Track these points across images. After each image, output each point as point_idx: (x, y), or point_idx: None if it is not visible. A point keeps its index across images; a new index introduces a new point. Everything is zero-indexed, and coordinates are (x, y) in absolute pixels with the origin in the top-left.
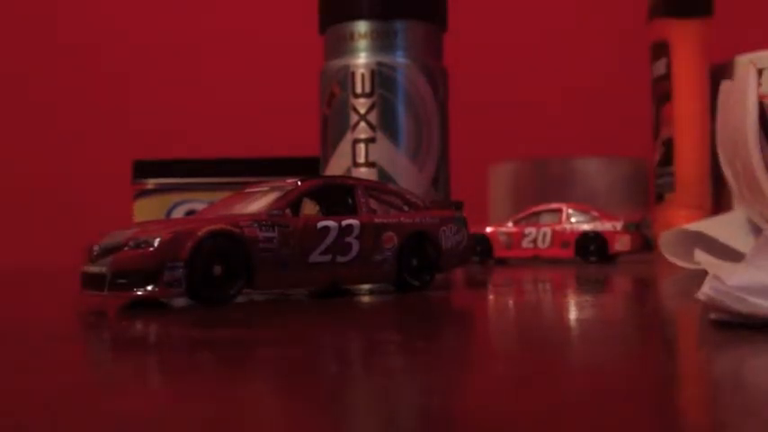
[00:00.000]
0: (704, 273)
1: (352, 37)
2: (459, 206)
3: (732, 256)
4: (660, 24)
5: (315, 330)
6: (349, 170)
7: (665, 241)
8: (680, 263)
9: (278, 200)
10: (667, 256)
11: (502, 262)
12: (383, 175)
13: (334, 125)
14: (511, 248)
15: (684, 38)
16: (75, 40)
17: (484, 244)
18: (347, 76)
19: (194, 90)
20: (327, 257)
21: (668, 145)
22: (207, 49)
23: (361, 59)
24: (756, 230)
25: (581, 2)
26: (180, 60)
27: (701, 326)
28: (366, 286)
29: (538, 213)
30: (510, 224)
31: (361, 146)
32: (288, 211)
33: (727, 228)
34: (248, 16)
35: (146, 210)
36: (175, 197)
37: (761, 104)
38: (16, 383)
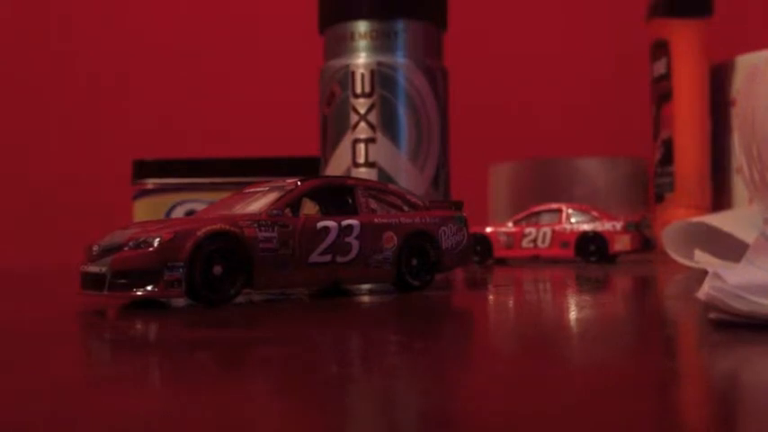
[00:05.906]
0: (704, 272)
1: (352, 37)
2: (459, 206)
3: (733, 254)
4: (660, 24)
5: (315, 330)
6: (349, 170)
7: (668, 236)
8: (680, 260)
9: (278, 200)
10: (669, 251)
11: (502, 262)
12: (383, 175)
13: (334, 125)
14: (511, 248)
15: (684, 38)
16: (74, 40)
17: (484, 244)
18: (347, 75)
19: (194, 90)
20: (327, 257)
21: (668, 145)
22: (207, 48)
23: (361, 59)
24: (759, 225)
25: (581, 2)
26: (180, 60)
27: (701, 326)
28: (366, 286)
29: (538, 213)
30: (510, 224)
31: (361, 146)
32: (288, 211)
33: (731, 220)
34: (248, 16)
35: (146, 210)
36: (175, 197)
37: None
38: (16, 383)
